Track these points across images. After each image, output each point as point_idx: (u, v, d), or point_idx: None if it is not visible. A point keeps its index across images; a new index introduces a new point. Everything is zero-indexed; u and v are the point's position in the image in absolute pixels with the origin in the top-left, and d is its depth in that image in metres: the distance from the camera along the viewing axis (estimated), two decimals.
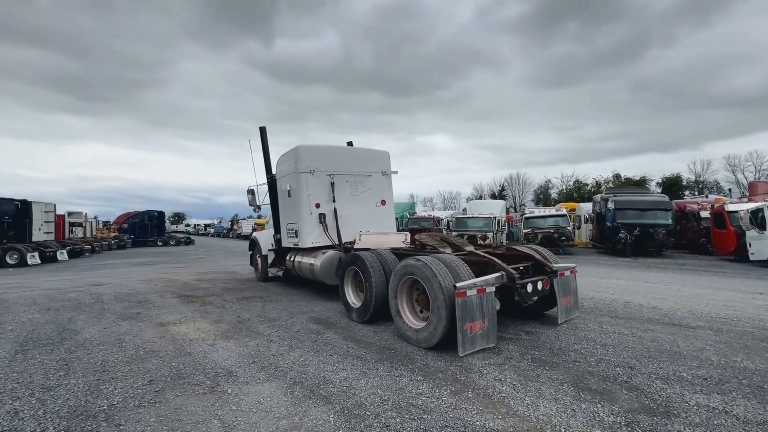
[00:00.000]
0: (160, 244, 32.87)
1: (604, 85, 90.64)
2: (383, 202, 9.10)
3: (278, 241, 9.29)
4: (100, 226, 37.35)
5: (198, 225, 72.29)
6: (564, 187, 63.94)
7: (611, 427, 2.86)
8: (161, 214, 37.08)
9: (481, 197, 77.30)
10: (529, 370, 3.94)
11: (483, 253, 5.20)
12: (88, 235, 29.75)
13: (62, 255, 19.79)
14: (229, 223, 62.00)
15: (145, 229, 34.26)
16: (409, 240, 7.56)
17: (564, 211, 18.04)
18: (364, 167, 8.86)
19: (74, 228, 28.74)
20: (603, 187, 51.89)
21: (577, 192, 57.09)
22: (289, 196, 8.32)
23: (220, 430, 2.95)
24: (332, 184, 8.26)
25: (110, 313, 7.10)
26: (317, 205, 8.08)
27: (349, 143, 10.52)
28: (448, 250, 5.90)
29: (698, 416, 2.96)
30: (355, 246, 7.38)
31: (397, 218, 24.24)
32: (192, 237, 42.77)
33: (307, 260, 8.08)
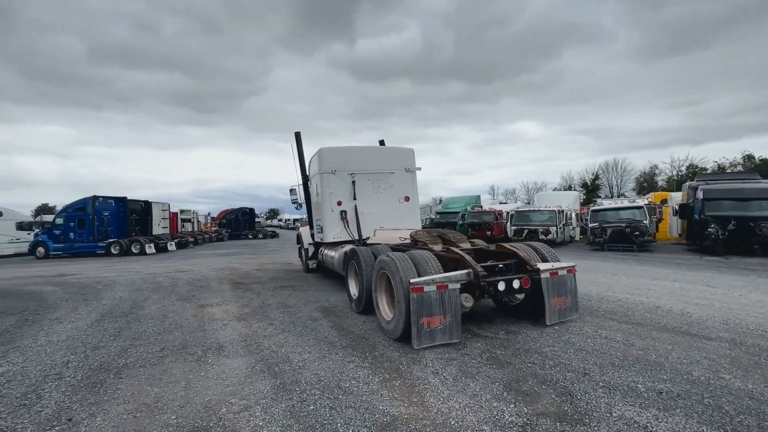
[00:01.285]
0: (250, 237, 37.26)
1: (738, 46, 74.98)
2: (407, 199, 9.34)
3: (312, 236, 10.17)
4: (208, 222, 43.78)
5: (288, 220, 79.28)
6: (674, 172, 54.97)
7: (504, 426, 2.88)
8: (251, 210, 41.94)
9: (570, 187, 70.84)
10: (475, 367, 3.98)
11: (457, 251, 5.21)
12: (196, 229, 35.12)
13: (171, 246, 23.85)
14: None
15: (239, 224, 39.19)
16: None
17: (641, 203, 15.80)
18: (387, 165, 9.19)
19: (185, 223, 34.22)
20: (728, 171, 43.27)
21: (692, 178, 48.61)
22: (316, 195, 9.07)
23: (182, 388, 3.69)
24: (353, 182, 8.78)
25: (174, 295, 8.67)
26: (339, 203, 8.69)
27: (381, 142, 10.94)
28: (439, 246, 5.98)
29: (608, 428, 2.79)
30: (369, 241, 7.81)
31: (458, 212, 23.96)
32: (279, 231, 47.44)
33: (330, 253, 8.77)
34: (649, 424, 2.82)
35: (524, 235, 17.95)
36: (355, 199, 8.77)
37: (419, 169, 9.49)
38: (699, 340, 4.57)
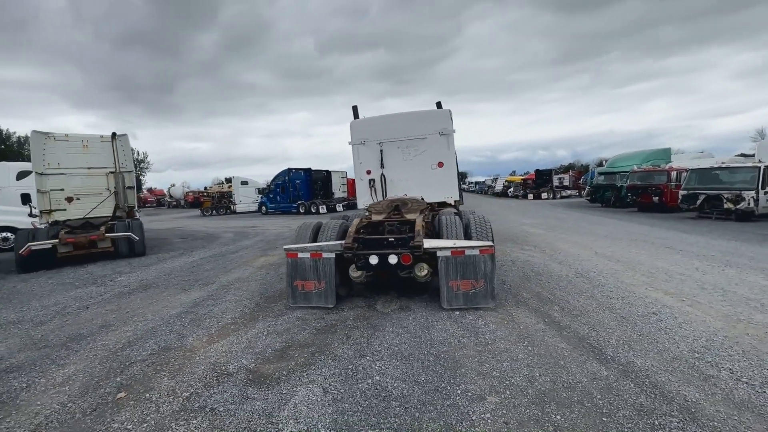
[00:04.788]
0: None
1: None
2: (440, 164, 8.85)
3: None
4: None
5: (471, 182, 79.56)
6: None
7: (222, 374, 3.36)
8: None
9: None
10: (299, 331, 4.28)
11: (355, 222, 5.13)
12: None
13: (339, 207, 29.04)
14: (492, 179, 64.51)
15: None
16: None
17: None
18: (418, 130, 8.90)
19: None
20: None
21: None
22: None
23: (143, 305, 5.63)
24: (381, 151, 9.01)
25: (269, 245, 11.41)
26: (368, 172, 9.16)
27: (438, 104, 10.40)
28: (380, 216, 5.90)
29: (277, 409, 2.88)
30: None
31: (627, 172, 18.93)
32: None
33: None
34: (308, 415, 2.73)
35: (698, 203, 12.87)
36: (382, 167, 9.03)
37: (454, 131, 8.73)
38: (593, 357, 3.21)
